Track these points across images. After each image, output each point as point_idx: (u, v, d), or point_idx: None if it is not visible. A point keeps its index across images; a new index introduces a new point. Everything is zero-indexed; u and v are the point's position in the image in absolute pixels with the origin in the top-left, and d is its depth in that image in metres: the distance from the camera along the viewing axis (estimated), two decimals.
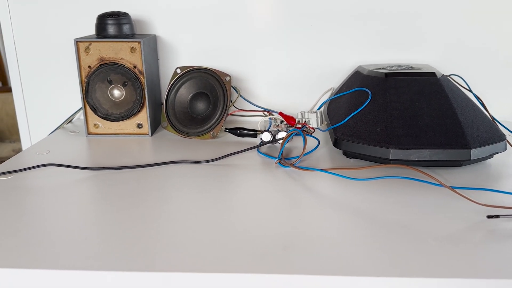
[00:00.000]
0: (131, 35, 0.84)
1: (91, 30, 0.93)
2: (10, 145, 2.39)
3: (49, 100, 0.98)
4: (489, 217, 0.52)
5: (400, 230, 0.50)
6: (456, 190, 0.58)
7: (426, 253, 0.45)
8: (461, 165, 0.67)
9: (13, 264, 0.44)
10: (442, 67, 0.92)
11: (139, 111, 0.84)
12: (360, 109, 0.72)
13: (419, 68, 0.78)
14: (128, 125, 0.85)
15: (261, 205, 0.56)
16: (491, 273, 0.42)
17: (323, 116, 0.80)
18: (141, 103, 0.83)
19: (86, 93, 0.82)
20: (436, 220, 0.52)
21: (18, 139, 2.46)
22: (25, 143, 1.01)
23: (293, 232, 0.50)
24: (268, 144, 0.79)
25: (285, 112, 0.96)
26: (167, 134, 0.87)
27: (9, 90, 2.55)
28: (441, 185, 0.60)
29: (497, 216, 0.52)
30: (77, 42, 0.80)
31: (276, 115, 0.89)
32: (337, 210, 0.55)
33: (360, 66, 0.85)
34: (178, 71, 0.85)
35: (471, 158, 0.64)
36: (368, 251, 0.46)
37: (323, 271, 0.43)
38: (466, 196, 0.57)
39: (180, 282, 0.43)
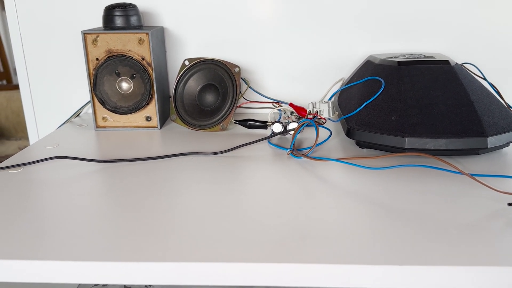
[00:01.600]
0: (139, 27, 0.83)
1: (99, 22, 0.92)
2: (16, 143, 2.39)
3: (56, 94, 0.97)
4: (510, 204, 0.51)
5: (419, 219, 0.49)
6: (476, 177, 0.56)
7: (447, 241, 0.44)
8: (477, 154, 0.66)
9: (24, 256, 0.43)
10: (454, 56, 0.91)
11: (147, 104, 0.83)
12: (373, 98, 0.70)
13: (431, 57, 0.77)
14: (137, 118, 0.84)
15: (275, 196, 0.55)
16: None
17: (334, 107, 0.78)
18: (149, 95, 0.82)
19: (94, 86, 0.81)
20: (455, 208, 0.51)
21: (23, 137, 2.46)
22: (33, 138, 1.01)
23: (309, 222, 0.49)
24: (278, 136, 0.78)
25: (295, 103, 0.95)
26: (176, 127, 0.86)
27: (13, 87, 2.55)
28: (459, 172, 0.59)
29: None
30: (85, 34, 0.79)
31: (286, 106, 0.88)
32: (353, 199, 0.54)
33: (371, 56, 0.84)
34: (186, 63, 0.84)
35: (488, 146, 0.63)
36: (387, 240, 0.45)
37: (341, 260, 0.42)
38: (485, 183, 0.56)
39: (193, 273, 0.42)
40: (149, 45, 0.79)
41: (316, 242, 0.45)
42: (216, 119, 0.83)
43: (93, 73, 0.80)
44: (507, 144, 0.66)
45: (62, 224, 0.49)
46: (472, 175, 0.55)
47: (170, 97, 0.92)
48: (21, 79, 0.96)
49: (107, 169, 0.65)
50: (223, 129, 0.82)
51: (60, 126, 0.88)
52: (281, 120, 0.83)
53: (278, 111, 0.88)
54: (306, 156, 0.67)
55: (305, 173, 0.62)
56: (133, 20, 0.82)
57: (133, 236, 0.46)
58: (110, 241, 0.45)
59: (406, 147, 0.64)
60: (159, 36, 0.86)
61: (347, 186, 0.57)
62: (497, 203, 0.52)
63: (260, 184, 0.59)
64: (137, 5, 0.90)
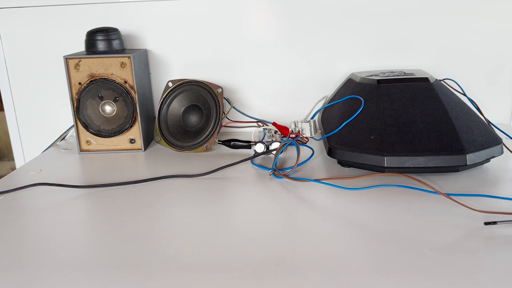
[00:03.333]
0: (121, 50, 0.84)
1: (82, 47, 0.92)
2: (8, 163, 2.38)
3: (42, 117, 0.97)
4: (486, 223, 0.51)
5: (396, 240, 0.49)
6: (452, 197, 0.57)
7: (423, 263, 0.44)
8: (458, 171, 0.66)
9: (4, 286, 0.43)
10: (435, 72, 0.92)
11: (131, 126, 0.83)
12: (353, 117, 0.71)
13: (411, 74, 0.77)
14: (121, 141, 0.84)
15: (255, 219, 0.55)
16: (490, 282, 0.41)
17: (316, 125, 0.79)
18: (133, 118, 0.82)
19: (77, 110, 0.81)
20: (432, 228, 0.51)
21: None
22: (19, 162, 1.01)
23: (287, 246, 0.48)
24: (262, 155, 0.78)
25: (279, 122, 0.95)
26: (160, 148, 0.86)
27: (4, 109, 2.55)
28: (436, 192, 0.59)
29: (494, 223, 0.50)
30: (67, 59, 0.79)
31: (270, 126, 0.89)
32: (332, 221, 0.54)
33: (352, 74, 0.84)
34: (170, 84, 0.84)
35: (467, 163, 0.63)
36: (363, 264, 0.45)
37: (317, 285, 0.41)
38: (462, 203, 0.56)
39: None
40: (131, 68, 0.80)
41: (293, 268, 0.44)
42: (200, 139, 0.83)
43: (76, 97, 0.81)
44: (487, 160, 0.67)
45: (42, 254, 0.49)
46: (448, 195, 0.56)
47: (155, 118, 0.93)
48: (6, 103, 0.97)
49: (90, 195, 0.65)
50: (207, 150, 0.83)
51: (44, 150, 0.88)
52: (266, 139, 0.83)
53: (263, 130, 0.88)
54: (287, 176, 0.67)
55: (286, 194, 0.62)
56: (115, 44, 0.82)
57: (113, 264, 0.46)
58: (91, 270, 0.45)
59: (385, 166, 0.64)
60: (142, 59, 0.87)
61: (327, 208, 0.57)
62: (474, 222, 0.52)
63: (240, 207, 0.59)
64: (120, 29, 0.91)
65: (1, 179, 0.73)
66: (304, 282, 0.42)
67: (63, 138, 0.93)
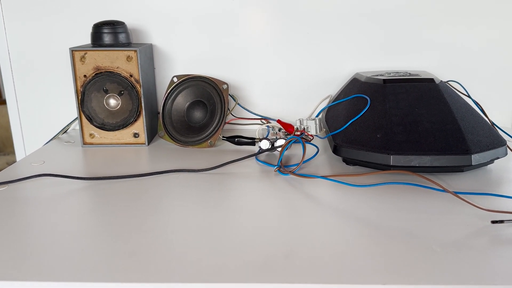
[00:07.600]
0: (127, 44, 0.83)
1: (87, 40, 0.92)
2: (4, 158, 2.37)
3: (44, 110, 0.96)
4: (493, 222, 0.51)
5: (404, 237, 0.49)
6: (459, 195, 0.57)
7: (431, 260, 0.44)
8: (462, 171, 0.67)
9: (6, 277, 0.42)
10: (439, 74, 0.92)
11: (135, 120, 0.83)
12: (359, 115, 0.71)
13: (417, 75, 0.78)
14: (124, 135, 0.84)
15: (261, 214, 0.55)
16: (497, 279, 0.41)
17: (321, 123, 0.79)
18: (137, 112, 0.82)
19: (82, 103, 0.81)
20: (439, 226, 0.51)
21: (12, 152, 2.44)
22: (20, 155, 1.00)
23: (294, 241, 0.48)
24: (266, 152, 0.78)
25: (283, 120, 0.95)
26: (164, 144, 0.86)
27: (2, 102, 2.54)
28: (443, 190, 0.60)
29: (501, 221, 0.51)
30: (73, 51, 0.79)
31: (274, 123, 0.89)
32: (339, 217, 0.54)
33: (357, 73, 0.85)
34: (175, 79, 0.84)
35: (472, 164, 0.64)
36: (371, 259, 0.45)
37: (326, 280, 0.41)
38: (469, 201, 0.56)
39: None
40: (137, 62, 0.79)
41: (301, 261, 0.44)
42: (204, 135, 0.83)
43: (81, 89, 0.80)
44: (491, 161, 0.67)
45: (46, 244, 0.48)
46: (455, 193, 0.56)
47: (158, 113, 0.92)
48: (9, 95, 0.96)
49: (93, 187, 0.64)
50: (211, 146, 0.82)
51: (47, 142, 0.88)
52: (269, 136, 0.83)
53: (266, 128, 0.88)
54: (293, 173, 0.67)
55: (292, 190, 0.62)
56: (122, 37, 0.82)
57: (118, 256, 0.46)
58: (95, 262, 0.45)
59: (391, 164, 0.64)
60: (148, 53, 0.86)
61: (333, 204, 0.58)
62: (481, 220, 0.52)
63: (246, 202, 0.59)
64: (126, 23, 0.91)
65: (5, 169, 0.72)
66: (312, 275, 0.42)
67: (65, 131, 0.93)
